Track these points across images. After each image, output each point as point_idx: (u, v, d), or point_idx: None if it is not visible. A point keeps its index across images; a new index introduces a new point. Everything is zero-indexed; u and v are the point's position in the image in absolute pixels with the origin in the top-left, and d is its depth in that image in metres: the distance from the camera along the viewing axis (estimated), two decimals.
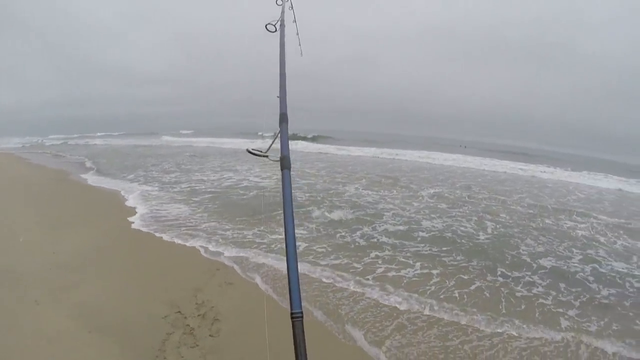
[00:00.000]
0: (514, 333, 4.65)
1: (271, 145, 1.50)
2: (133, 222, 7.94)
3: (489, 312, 5.08)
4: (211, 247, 6.71)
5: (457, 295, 5.54)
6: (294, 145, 31.56)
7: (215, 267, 5.85)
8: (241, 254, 6.46)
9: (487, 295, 5.63)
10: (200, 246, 6.74)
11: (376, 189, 13.67)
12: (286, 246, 1.17)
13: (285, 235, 1.19)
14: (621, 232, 10.06)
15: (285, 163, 1.33)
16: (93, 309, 4.63)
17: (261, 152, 1.50)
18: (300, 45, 3.35)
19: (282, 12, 2.44)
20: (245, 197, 11.07)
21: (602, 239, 9.16)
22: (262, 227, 7.82)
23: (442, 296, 5.47)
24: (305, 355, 0.99)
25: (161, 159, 21.14)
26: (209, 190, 11.88)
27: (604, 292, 6.10)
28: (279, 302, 4.96)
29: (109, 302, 4.83)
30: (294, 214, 1.26)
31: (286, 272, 1.14)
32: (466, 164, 25.94)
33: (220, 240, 7.13)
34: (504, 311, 5.20)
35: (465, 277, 6.18)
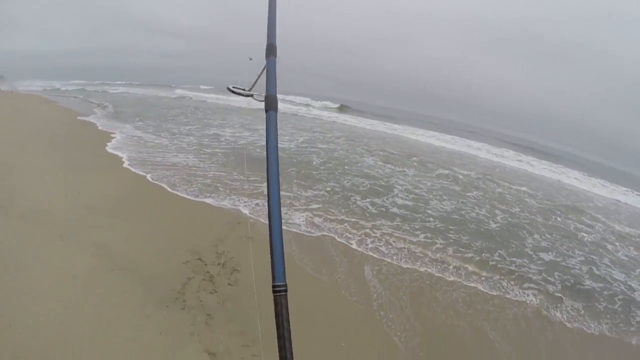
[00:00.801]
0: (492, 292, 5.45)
1: (256, 81, 1.33)
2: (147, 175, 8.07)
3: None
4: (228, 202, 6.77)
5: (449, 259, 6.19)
6: (317, 112, 31.28)
7: (236, 221, 5.88)
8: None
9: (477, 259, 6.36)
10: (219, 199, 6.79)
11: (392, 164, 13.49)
12: (269, 206, 1.00)
13: (268, 195, 1.02)
14: None
15: (271, 103, 1.14)
16: (117, 249, 4.73)
17: (244, 90, 1.36)
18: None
19: None
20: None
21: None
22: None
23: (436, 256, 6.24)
24: (289, 332, 0.91)
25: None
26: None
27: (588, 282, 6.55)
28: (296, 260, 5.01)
29: (132, 244, 4.93)
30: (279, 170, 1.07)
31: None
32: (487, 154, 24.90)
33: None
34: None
35: (463, 249, 6.78)
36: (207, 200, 6.81)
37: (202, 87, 52.29)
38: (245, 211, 6.41)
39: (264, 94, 1.16)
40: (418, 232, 7.04)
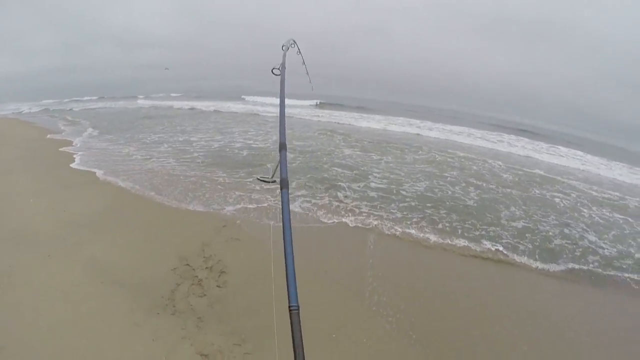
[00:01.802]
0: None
1: (274, 171, 1.74)
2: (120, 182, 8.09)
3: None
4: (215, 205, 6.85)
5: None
6: (296, 110, 30.74)
7: (221, 224, 5.97)
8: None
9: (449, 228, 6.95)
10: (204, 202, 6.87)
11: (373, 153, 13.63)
12: (284, 244, 1.34)
13: (284, 236, 1.36)
14: None
15: (284, 184, 1.55)
16: (105, 262, 4.79)
17: (269, 178, 1.78)
18: (310, 82, 4.51)
19: (284, 56, 2.78)
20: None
21: None
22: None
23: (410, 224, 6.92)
24: (302, 345, 1.09)
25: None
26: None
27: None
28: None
29: (119, 256, 4.99)
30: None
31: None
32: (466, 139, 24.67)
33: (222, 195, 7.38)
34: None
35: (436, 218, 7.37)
36: (190, 206, 6.87)
37: (172, 94, 51.25)
38: (230, 213, 6.50)
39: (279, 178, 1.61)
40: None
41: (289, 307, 1.17)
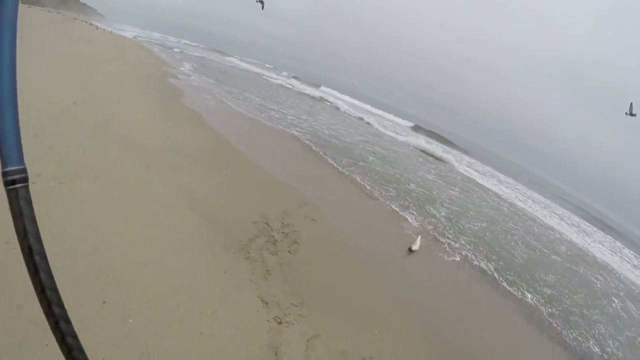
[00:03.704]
0: None
1: None
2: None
3: None
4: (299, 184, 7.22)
5: None
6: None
7: (303, 202, 6.28)
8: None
9: None
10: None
11: None
12: None
13: None
14: None
15: None
16: (197, 193, 5.19)
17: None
18: None
19: None
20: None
21: None
22: None
23: None
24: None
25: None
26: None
27: None
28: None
29: (210, 193, 5.38)
30: None
31: None
32: None
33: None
34: None
35: None
36: (281, 177, 7.32)
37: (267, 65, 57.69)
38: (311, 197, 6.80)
39: None
40: None
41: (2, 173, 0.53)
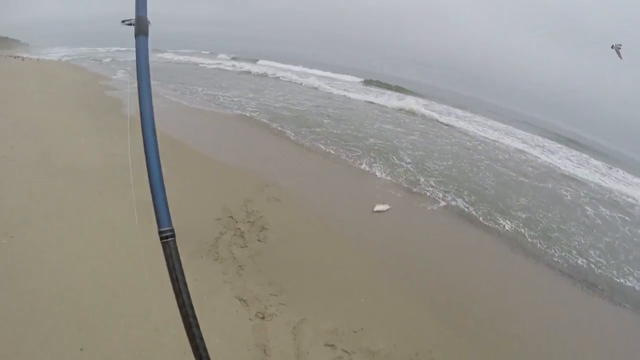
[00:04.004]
0: None
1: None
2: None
3: None
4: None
5: None
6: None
7: (264, 184, 6.04)
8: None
9: None
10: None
11: None
12: (145, 147, 0.96)
13: (143, 134, 0.96)
14: None
15: (141, 26, 1.00)
16: (151, 205, 4.88)
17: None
18: None
19: None
20: None
21: None
22: None
23: None
24: (183, 274, 0.90)
25: None
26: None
27: None
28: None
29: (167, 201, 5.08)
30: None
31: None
32: None
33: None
34: None
35: None
36: (238, 163, 7.04)
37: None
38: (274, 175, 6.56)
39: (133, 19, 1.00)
40: None
41: (160, 232, 0.89)
